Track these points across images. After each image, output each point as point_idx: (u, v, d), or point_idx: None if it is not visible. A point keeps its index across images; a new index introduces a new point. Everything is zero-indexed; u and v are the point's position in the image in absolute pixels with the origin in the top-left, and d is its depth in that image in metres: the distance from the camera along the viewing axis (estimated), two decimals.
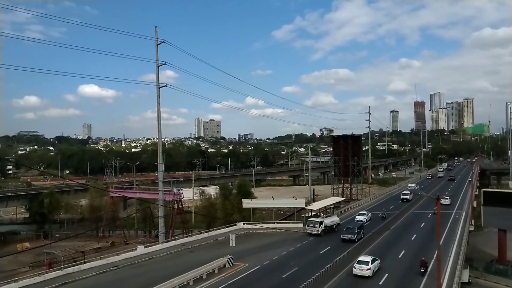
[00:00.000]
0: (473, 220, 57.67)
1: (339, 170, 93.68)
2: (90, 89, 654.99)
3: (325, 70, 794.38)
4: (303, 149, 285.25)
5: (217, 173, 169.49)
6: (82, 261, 41.39)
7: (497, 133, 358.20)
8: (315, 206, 62.73)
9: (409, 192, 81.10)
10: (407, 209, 67.05)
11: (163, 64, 50.47)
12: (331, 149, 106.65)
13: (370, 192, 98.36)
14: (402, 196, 79.30)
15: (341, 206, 72.04)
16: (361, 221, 55.03)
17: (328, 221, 51.26)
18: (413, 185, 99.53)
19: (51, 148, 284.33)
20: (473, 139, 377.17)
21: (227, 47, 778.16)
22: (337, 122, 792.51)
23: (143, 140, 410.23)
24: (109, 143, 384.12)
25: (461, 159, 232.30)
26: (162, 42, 49.78)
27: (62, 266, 37.71)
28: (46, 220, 76.27)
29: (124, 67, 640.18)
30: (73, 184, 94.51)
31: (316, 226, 48.99)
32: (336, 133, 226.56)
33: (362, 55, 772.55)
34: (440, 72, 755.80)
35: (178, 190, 59.30)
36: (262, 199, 70.13)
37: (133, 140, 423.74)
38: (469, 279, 37.72)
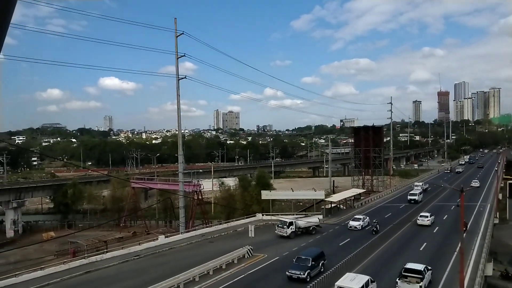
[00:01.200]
0: (498, 213, 56.20)
1: (359, 162, 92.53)
2: (110, 81, 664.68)
3: (345, 60, 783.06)
4: (323, 141, 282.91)
5: (236, 164, 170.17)
6: (105, 250, 42.50)
7: None
8: (335, 198, 62.47)
9: (417, 192, 68.65)
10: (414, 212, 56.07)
11: (183, 56, 50.75)
12: (351, 140, 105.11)
13: (391, 184, 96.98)
14: (409, 197, 67.26)
15: (361, 198, 71.41)
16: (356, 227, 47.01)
17: (302, 222, 46.32)
18: (420, 184, 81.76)
19: (74, 140, 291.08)
20: (499, 129, 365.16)
21: (246, 38, 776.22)
22: (358, 113, 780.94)
23: (163, 132, 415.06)
24: (130, 135, 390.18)
25: (486, 150, 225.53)
26: (181, 33, 49.98)
27: (85, 255, 38.91)
28: (70, 210, 78.55)
29: (144, 59, 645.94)
30: (95, 175, 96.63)
31: (284, 227, 44.43)
32: (357, 124, 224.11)
33: (383, 44, 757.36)
34: (465, 61, 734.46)
35: (198, 181, 60.00)
36: (281, 190, 70.09)
37: (154, 132, 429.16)
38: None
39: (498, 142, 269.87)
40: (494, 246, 45.87)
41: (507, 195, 50.45)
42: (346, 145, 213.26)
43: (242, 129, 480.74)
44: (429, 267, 29.28)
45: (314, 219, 47.87)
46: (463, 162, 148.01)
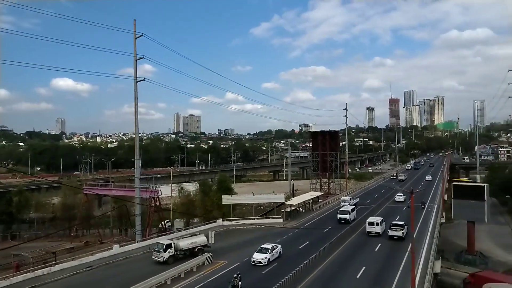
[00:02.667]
0: (444, 213, 59.51)
1: (317, 165, 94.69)
2: (64, 82, 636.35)
3: (303, 67, 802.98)
4: (283, 145, 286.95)
5: (197, 169, 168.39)
6: (53, 262, 39.89)
7: (466, 130, 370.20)
8: (295, 201, 63.51)
9: (349, 210, 55.35)
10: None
11: (141, 58, 49.91)
12: (310, 144, 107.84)
13: (347, 187, 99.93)
14: (339, 216, 54.04)
15: (319, 200, 72.98)
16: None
17: (185, 243, 38.54)
18: (348, 198, 68.15)
19: (21, 143, 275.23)
20: (443, 135, 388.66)
21: (207, 43, 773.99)
22: (315, 118, 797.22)
23: (119, 136, 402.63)
24: (84, 139, 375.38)
25: (432, 154, 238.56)
26: (141, 35, 49.07)
27: (31, 269, 36.41)
28: (14, 220, 72.97)
29: (102, 61, 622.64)
30: (44, 182, 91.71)
31: (161, 251, 36.57)
32: (314, 129, 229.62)
33: (338, 53, 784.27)
34: (412, 71, 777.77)
35: (156, 187, 58.55)
36: (243, 195, 70.15)
37: (109, 136, 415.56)
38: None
39: (442, 146, 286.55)
40: (441, 244, 48.49)
41: (452, 196, 53.46)
42: (304, 149, 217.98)
43: (203, 133, 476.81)
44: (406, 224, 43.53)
45: (200, 238, 39.98)
46: (409, 167, 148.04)
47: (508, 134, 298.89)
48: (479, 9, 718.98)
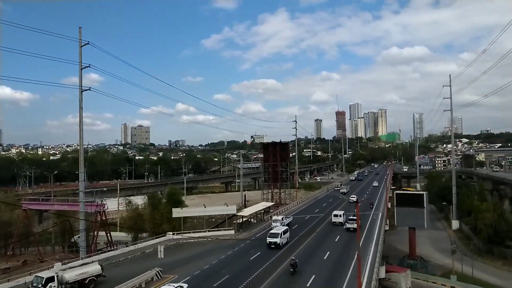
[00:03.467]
0: (388, 220, 62.58)
1: (268, 176, 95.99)
2: (1, 91, 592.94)
3: (253, 80, 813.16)
4: (235, 156, 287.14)
5: (146, 181, 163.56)
6: None
7: (407, 141, 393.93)
8: (246, 212, 63.83)
9: (279, 232, 46.12)
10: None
11: (87, 66, 48.41)
12: (261, 155, 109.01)
13: (297, 196, 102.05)
14: (268, 240, 45.71)
15: (270, 211, 73.77)
16: None
17: (72, 274, 33.19)
18: (280, 218, 58.58)
19: None
20: (386, 146, 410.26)
21: (157, 53, 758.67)
22: (266, 130, 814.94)
23: (62, 147, 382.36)
24: (23, 151, 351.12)
25: (376, 165, 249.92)
26: (87, 43, 47.64)
27: None
28: None
29: (43, 68, 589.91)
30: None
31: (39, 286, 30.83)
32: (266, 140, 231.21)
33: (287, 67, 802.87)
34: (357, 85, 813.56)
35: (102, 200, 56.20)
36: (194, 207, 69.29)
37: (52, 147, 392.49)
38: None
39: (386, 156, 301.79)
40: (385, 250, 50.99)
41: (395, 204, 56.47)
42: (256, 160, 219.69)
43: (152, 144, 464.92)
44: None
45: (93, 267, 35.15)
46: (353, 178, 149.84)
47: (444, 145, 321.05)
48: (416, 28, 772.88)
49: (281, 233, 46.28)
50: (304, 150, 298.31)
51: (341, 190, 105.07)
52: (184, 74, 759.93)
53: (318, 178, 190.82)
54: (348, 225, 54.44)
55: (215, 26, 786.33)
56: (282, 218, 58.54)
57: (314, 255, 42.00)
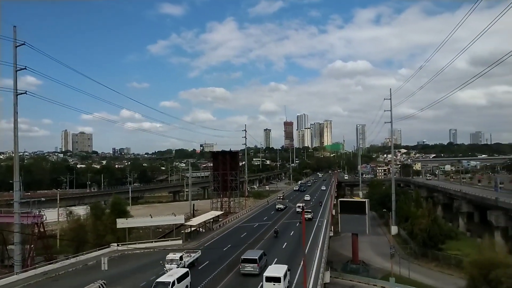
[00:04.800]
0: (332, 227, 65.12)
1: (218, 185, 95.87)
2: None
3: (202, 88, 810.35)
4: (184, 165, 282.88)
5: (88, 191, 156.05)
6: None
7: (350, 151, 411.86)
8: (195, 221, 63.20)
9: (168, 281, 30.52)
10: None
11: (23, 68, 45.86)
12: (211, 164, 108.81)
13: (247, 205, 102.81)
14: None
15: (219, 220, 73.68)
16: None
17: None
18: (177, 257, 39.54)
19: None
20: (331, 155, 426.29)
21: (100, 57, 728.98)
22: (216, 138, 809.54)
23: None
24: None
25: (321, 174, 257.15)
26: (22, 44, 45.15)
27: None
28: None
29: None
30: None
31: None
32: (215, 149, 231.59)
33: (236, 76, 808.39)
34: (304, 96, 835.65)
35: (39, 211, 53.09)
36: (139, 217, 67.30)
37: None
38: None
39: (330, 165, 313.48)
40: (330, 256, 52.91)
41: (339, 211, 59.08)
42: (205, 169, 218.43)
43: (95, 152, 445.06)
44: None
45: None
46: (296, 188, 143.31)
47: (385, 155, 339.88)
48: (359, 44, 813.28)
49: (172, 282, 30.30)
50: (254, 159, 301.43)
51: (277, 206, 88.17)
52: (129, 79, 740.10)
53: (267, 186, 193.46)
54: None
55: (162, 32, 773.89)
56: (181, 257, 39.89)
57: None
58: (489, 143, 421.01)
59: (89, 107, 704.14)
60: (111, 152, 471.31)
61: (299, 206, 78.58)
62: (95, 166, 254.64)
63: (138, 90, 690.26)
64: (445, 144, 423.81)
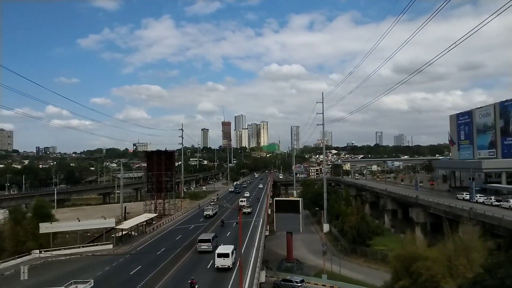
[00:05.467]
0: (268, 226, 66.22)
1: (152, 186, 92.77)
2: None
3: (136, 85, 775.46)
4: (115, 165, 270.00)
5: (7, 193, 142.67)
6: None
7: (285, 151, 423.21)
8: (126, 224, 60.76)
9: None
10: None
11: None
12: (144, 164, 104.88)
13: (182, 206, 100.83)
14: None
15: (153, 222, 71.43)
16: None
17: None
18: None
19: None
20: (268, 155, 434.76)
21: (23, 49, 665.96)
22: (150, 138, 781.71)
23: None
24: None
25: (257, 174, 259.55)
26: None
27: None
28: None
29: None
30: None
31: None
32: (150, 148, 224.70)
33: (173, 74, 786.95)
34: (241, 97, 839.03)
35: None
36: (66, 221, 62.87)
37: None
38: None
39: (267, 165, 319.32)
40: (266, 255, 53.77)
41: (274, 210, 60.24)
42: (139, 169, 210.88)
43: (16, 151, 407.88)
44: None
45: None
46: (232, 189, 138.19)
47: (317, 156, 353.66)
48: (293, 48, 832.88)
49: None
50: (191, 159, 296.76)
51: (205, 212, 78.12)
52: (57, 74, 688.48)
53: (204, 187, 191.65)
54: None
55: (93, 25, 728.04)
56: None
57: (199, 264, 42.03)
58: (410, 145, 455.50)
59: (9, 102, 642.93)
60: (35, 151, 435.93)
61: (241, 200, 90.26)
62: (15, 166, 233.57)
63: (67, 85, 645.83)
64: (372, 145, 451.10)
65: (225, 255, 39.28)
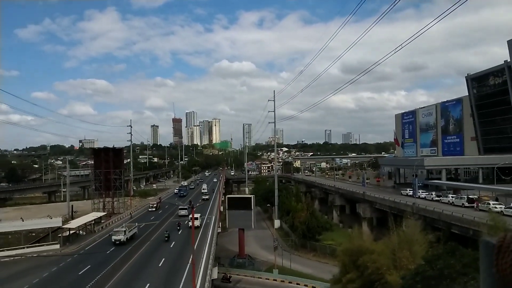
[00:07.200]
0: (220, 223, 66.91)
1: (100, 184, 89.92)
2: None
3: (81, 79, 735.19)
4: (60, 162, 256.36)
5: None
6: None
7: (237, 148, 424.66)
8: (74, 223, 58.89)
9: None
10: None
11: None
12: (91, 162, 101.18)
13: (132, 205, 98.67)
14: None
15: (102, 221, 69.55)
16: None
17: None
18: None
19: None
20: (220, 153, 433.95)
21: None
22: (97, 134, 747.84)
23: None
24: None
25: (208, 172, 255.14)
26: None
27: None
28: None
29: None
30: None
31: None
32: (97, 145, 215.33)
33: (119, 68, 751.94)
34: (192, 94, 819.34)
35: None
36: (8, 221, 59.58)
37: None
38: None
39: (219, 163, 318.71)
40: (218, 252, 54.44)
41: (227, 207, 61.13)
42: (86, 167, 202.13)
43: None
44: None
45: None
46: (176, 191, 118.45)
47: (268, 153, 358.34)
48: (243, 45, 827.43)
49: None
50: (140, 157, 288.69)
51: (113, 237, 51.20)
52: None
53: (154, 185, 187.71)
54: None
55: (32, 15, 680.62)
56: None
57: (149, 265, 41.82)
58: (358, 143, 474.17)
59: None
60: None
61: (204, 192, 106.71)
62: None
63: (6, 78, 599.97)
64: (321, 143, 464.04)
65: (196, 218, 53.97)
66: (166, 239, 52.54)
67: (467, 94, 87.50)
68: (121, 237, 50.87)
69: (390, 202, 65.76)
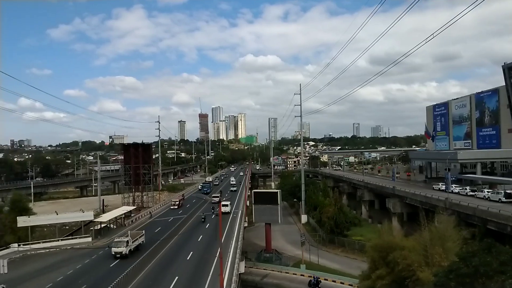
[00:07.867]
0: (247, 217, 67.08)
1: (129, 179, 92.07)
2: None
3: (110, 77, 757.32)
4: (92, 157, 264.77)
5: None
6: None
7: (263, 143, 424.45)
8: (105, 217, 60.40)
9: None
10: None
11: None
12: (121, 157, 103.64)
13: (160, 199, 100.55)
14: None
15: (132, 215, 71.19)
16: None
17: None
18: None
19: None
20: (245, 147, 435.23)
21: None
22: (127, 130, 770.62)
23: None
24: None
25: (234, 167, 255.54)
26: None
27: None
28: None
29: None
30: None
31: None
32: (126, 141, 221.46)
33: (147, 65, 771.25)
34: (217, 89, 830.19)
35: None
36: (43, 215, 61.97)
37: None
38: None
39: (245, 157, 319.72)
40: (245, 246, 54.65)
41: (253, 202, 61.12)
42: (116, 162, 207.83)
43: None
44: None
45: None
46: (200, 187, 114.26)
47: (295, 147, 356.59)
48: (268, 39, 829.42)
49: None
50: (168, 152, 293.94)
51: (114, 250, 42.48)
52: (28, 65, 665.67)
53: (182, 179, 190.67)
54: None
55: (63, 16, 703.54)
56: None
57: (177, 258, 42.40)
58: (387, 136, 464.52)
59: None
60: (9, 144, 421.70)
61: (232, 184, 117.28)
62: None
63: (40, 77, 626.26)
64: (349, 137, 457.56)
65: (225, 205, 65.92)
66: (202, 220, 63.22)
67: (504, 84, 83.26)
68: (122, 249, 42.33)
69: (421, 197, 64.07)
